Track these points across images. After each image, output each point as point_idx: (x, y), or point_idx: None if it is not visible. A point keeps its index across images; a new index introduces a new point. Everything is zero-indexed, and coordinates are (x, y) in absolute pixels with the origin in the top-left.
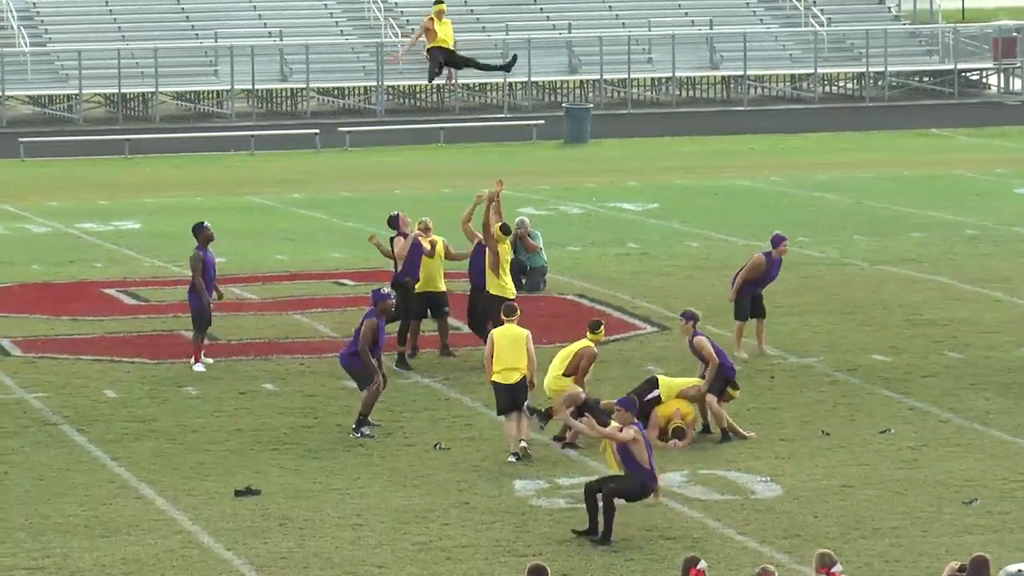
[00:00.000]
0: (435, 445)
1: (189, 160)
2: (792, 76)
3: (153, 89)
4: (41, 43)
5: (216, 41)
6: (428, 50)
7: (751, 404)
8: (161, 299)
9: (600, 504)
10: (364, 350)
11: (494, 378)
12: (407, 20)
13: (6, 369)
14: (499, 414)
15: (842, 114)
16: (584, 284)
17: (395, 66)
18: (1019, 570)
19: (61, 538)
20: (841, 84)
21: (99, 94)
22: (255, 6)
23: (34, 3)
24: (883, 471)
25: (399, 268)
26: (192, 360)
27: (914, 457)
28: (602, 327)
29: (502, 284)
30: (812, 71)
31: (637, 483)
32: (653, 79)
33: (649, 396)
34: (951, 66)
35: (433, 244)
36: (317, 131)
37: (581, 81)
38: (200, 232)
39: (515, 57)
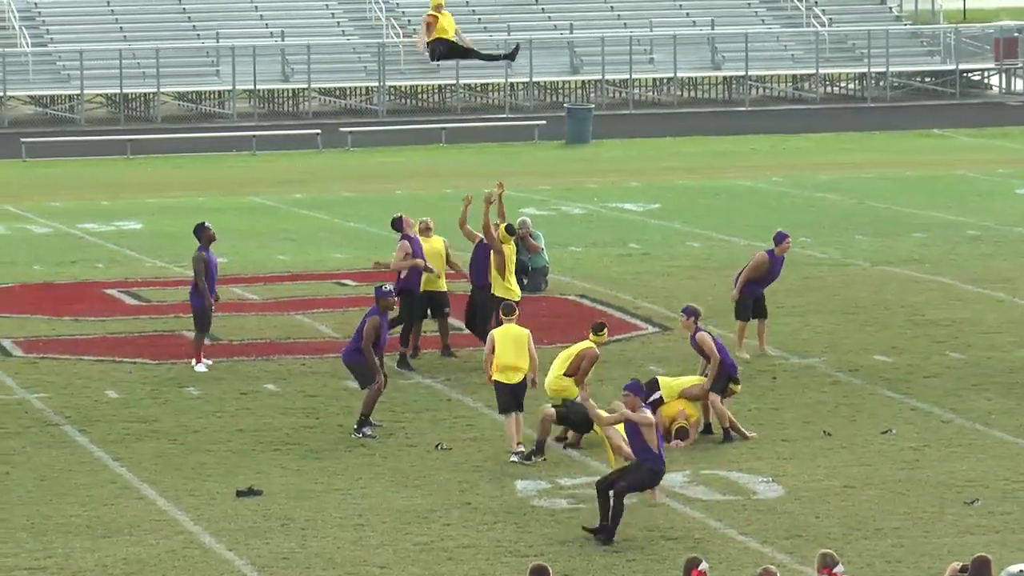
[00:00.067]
0: (437, 445)
1: (191, 160)
2: (794, 76)
3: (155, 89)
4: (43, 43)
5: (218, 41)
6: (428, 43)
7: (753, 405)
8: (163, 299)
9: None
10: (367, 347)
11: (496, 377)
12: (408, 20)
13: (8, 369)
14: (501, 413)
15: (844, 114)
16: (586, 284)
17: (397, 66)
18: (1020, 570)
19: (63, 538)
20: (843, 84)
21: (101, 94)
22: (257, 6)
23: (36, 3)
24: (885, 471)
25: (403, 274)
26: (193, 361)
27: (916, 458)
28: (605, 329)
29: (507, 286)
30: (814, 71)
31: (646, 471)
32: (655, 79)
33: (651, 398)
34: (953, 66)
35: (431, 267)
36: (319, 131)
37: (583, 81)
38: (202, 233)
39: (518, 46)
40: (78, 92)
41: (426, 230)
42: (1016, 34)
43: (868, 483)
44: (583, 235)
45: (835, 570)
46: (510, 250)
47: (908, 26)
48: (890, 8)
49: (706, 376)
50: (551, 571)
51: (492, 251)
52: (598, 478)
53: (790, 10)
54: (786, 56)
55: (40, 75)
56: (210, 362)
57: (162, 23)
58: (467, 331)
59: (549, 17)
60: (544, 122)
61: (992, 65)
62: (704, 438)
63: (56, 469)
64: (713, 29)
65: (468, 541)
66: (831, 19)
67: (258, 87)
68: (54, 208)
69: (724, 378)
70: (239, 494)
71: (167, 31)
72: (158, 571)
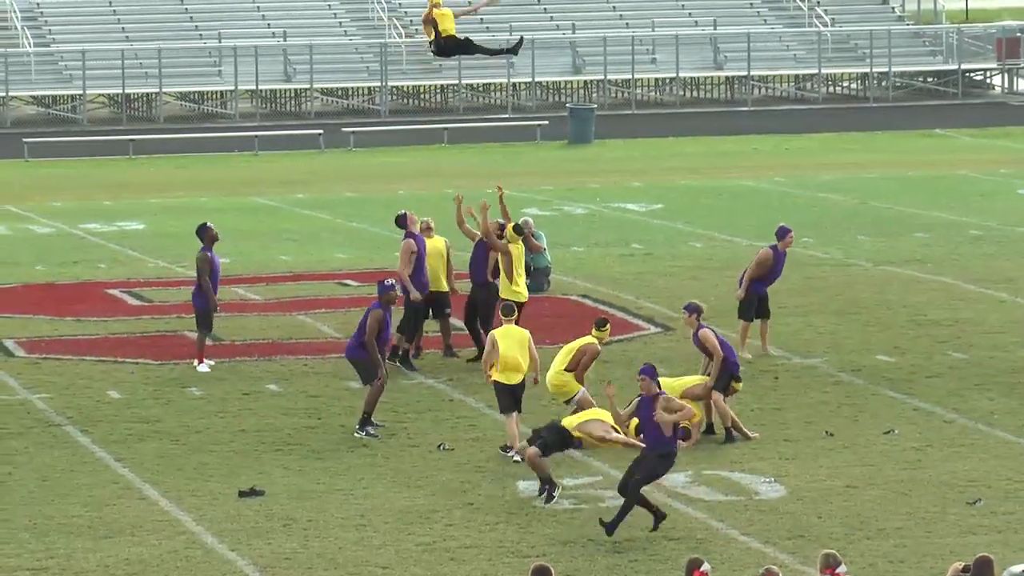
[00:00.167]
0: (439, 446)
1: (193, 160)
2: (796, 76)
3: (157, 89)
4: (45, 44)
5: (220, 42)
6: (430, 41)
7: (755, 405)
8: (165, 300)
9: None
10: (371, 342)
11: (497, 378)
12: (411, 20)
13: (10, 370)
14: (502, 413)
15: (846, 114)
16: (588, 284)
17: (399, 66)
18: (1023, 570)
19: (65, 539)
20: (845, 84)
21: (103, 95)
22: (259, 7)
23: (38, 4)
24: (887, 472)
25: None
26: (196, 361)
27: (918, 458)
28: (607, 325)
29: (515, 289)
30: (816, 71)
31: (653, 459)
32: (657, 79)
33: None
34: (955, 66)
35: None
36: (321, 131)
37: (585, 81)
38: (204, 233)
39: (521, 39)
40: (80, 92)
41: (427, 230)
42: (1018, 34)
43: (870, 483)
44: (585, 235)
45: (838, 570)
46: (519, 250)
47: (910, 26)
48: (892, 8)
49: (708, 375)
50: (553, 571)
51: (498, 253)
52: (618, 482)
53: (792, 10)
54: (788, 56)
55: (42, 75)
56: (212, 362)
57: (164, 23)
58: (467, 331)
59: (551, 17)
60: (546, 122)
61: (994, 65)
62: (706, 438)
63: (58, 469)
64: (715, 29)
65: (470, 541)
66: (833, 19)
67: (260, 87)
68: (56, 208)
69: (726, 376)
70: (241, 494)
71: (169, 31)
72: (160, 571)
